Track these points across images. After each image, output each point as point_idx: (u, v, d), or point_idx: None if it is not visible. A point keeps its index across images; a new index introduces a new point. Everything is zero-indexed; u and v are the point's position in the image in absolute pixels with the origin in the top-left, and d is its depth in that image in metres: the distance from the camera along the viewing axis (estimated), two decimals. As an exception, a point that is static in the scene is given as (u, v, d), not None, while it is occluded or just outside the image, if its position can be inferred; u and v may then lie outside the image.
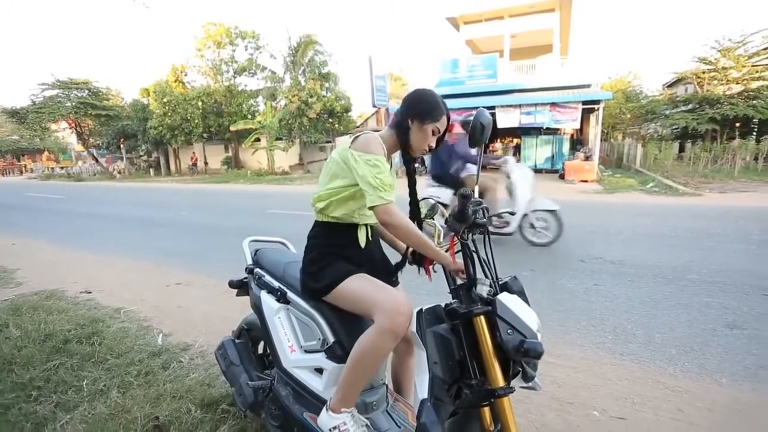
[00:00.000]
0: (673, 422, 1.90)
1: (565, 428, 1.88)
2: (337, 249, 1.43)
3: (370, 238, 1.50)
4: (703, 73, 17.18)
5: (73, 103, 24.18)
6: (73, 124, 25.67)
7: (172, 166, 27.81)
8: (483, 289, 1.16)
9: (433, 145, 1.44)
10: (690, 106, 17.23)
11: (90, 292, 3.85)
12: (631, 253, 4.64)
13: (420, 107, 1.38)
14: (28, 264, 4.98)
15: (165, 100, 22.14)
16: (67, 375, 2.31)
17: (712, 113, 15.61)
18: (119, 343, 2.69)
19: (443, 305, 1.26)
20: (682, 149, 16.88)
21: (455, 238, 1.22)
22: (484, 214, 1.18)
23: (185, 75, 25.23)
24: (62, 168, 32.08)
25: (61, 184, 22.51)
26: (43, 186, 21.07)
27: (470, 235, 1.19)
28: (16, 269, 4.75)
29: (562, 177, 13.82)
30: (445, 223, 1.22)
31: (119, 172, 26.97)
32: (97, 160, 28.73)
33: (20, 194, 15.00)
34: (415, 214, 1.48)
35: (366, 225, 1.47)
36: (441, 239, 1.41)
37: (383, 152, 1.34)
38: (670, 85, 23.00)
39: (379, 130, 1.42)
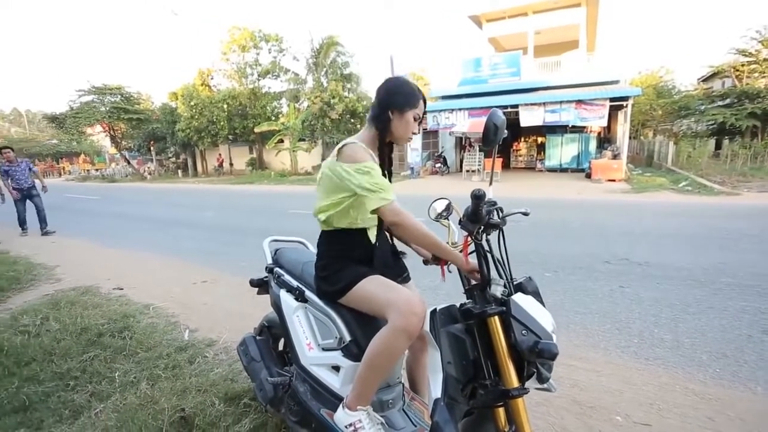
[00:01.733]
0: (702, 431, 1.83)
1: (586, 433, 1.84)
2: (348, 252, 1.45)
3: (377, 237, 1.50)
4: (742, 65, 16.38)
5: (107, 108, 25.33)
6: (107, 128, 26.87)
7: (199, 167, 28.68)
8: (497, 290, 1.16)
9: (416, 131, 1.46)
10: (728, 101, 16.45)
11: (122, 289, 4.04)
12: (659, 254, 4.47)
13: (398, 97, 1.40)
14: (66, 261, 5.26)
15: (192, 103, 22.87)
16: (101, 366, 2.44)
17: (752, 108, 14.85)
18: (148, 337, 2.81)
19: (458, 305, 1.26)
20: (718, 146, 16.11)
21: (469, 239, 1.22)
22: (498, 214, 1.18)
23: (211, 79, 25.98)
24: (97, 170, 33.64)
25: (96, 185, 23.61)
26: (80, 187, 22.15)
27: (484, 235, 1.19)
28: (55, 266, 5.03)
29: (588, 176, 13.45)
30: (459, 224, 1.22)
31: (149, 174, 28.05)
32: (129, 162, 29.98)
33: (60, 195, 15.81)
34: None
35: (374, 226, 1.49)
36: (455, 239, 1.41)
37: (370, 157, 1.36)
38: (706, 80, 22.02)
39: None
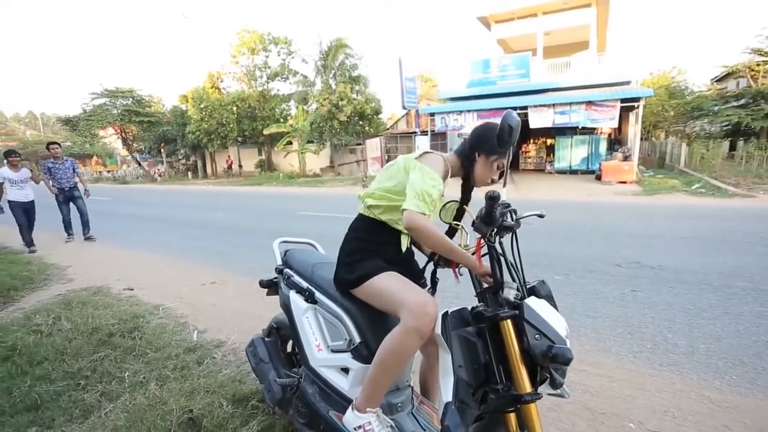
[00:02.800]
0: (719, 439, 1.78)
1: (599, 439, 1.80)
2: (376, 246, 1.46)
3: (410, 246, 1.53)
4: (758, 65, 16.08)
5: (119, 111, 25.75)
6: (119, 131, 27.30)
7: (209, 169, 28.97)
8: (510, 293, 1.14)
9: (496, 178, 1.45)
10: (742, 101, 16.14)
11: (132, 289, 4.07)
12: (671, 257, 4.39)
13: (490, 142, 1.37)
14: (78, 261, 5.33)
15: (202, 105, 23.13)
16: (111, 366, 2.46)
17: (769, 109, 14.54)
18: (158, 338, 2.83)
19: (470, 308, 1.25)
20: (732, 148, 15.83)
21: (482, 241, 1.20)
22: (511, 216, 1.16)
23: (221, 81, 26.27)
24: (109, 171, 34.17)
25: (108, 186, 23.94)
26: (93, 188, 22.37)
27: (497, 237, 1.17)
28: (68, 266, 5.09)
29: (598, 178, 13.30)
30: (472, 226, 1.20)
31: (160, 175, 28.40)
32: (139, 164, 30.40)
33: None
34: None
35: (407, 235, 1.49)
36: (467, 242, 1.39)
37: (444, 175, 1.39)
38: (719, 80, 21.68)
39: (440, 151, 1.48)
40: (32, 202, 6.18)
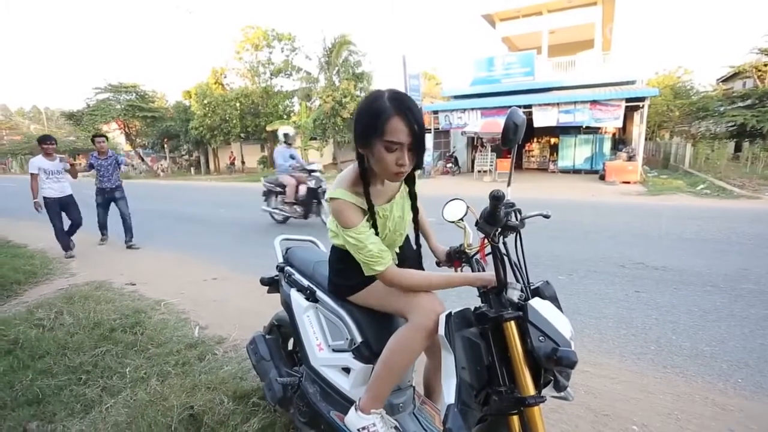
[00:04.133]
0: (723, 443, 1.76)
1: (601, 442, 1.79)
2: None
3: (398, 255, 1.48)
4: (765, 65, 15.92)
5: (123, 106, 25.83)
6: (122, 126, 27.38)
7: (212, 165, 29.01)
8: (514, 294, 1.12)
9: (406, 162, 1.12)
10: (749, 102, 15.98)
11: (134, 284, 4.08)
12: (676, 258, 4.36)
13: (359, 124, 1.13)
14: (80, 255, 5.34)
15: (205, 101, 23.14)
16: (113, 361, 2.46)
17: (776, 110, 14.40)
18: (159, 333, 2.83)
19: (472, 309, 1.23)
20: (738, 149, 15.69)
21: (485, 241, 1.18)
22: (516, 216, 1.14)
23: (224, 77, 26.27)
24: (113, 166, 34.19)
25: (111, 181, 23.97)
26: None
27: (501, 237, 1.15)
28: (70, 260, 5.11)
29: (602, 178, 13.24)
30: (476, 225, 1.19)
31: (163, 171, 28.44)
32: (143, 159, 30.46)
33: (79, 192, 16.13)
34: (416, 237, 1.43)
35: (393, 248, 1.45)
36: (470, 241, 1.37)
37: (357, 216, 1.20)
38: (725, 80, 21.50)
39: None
40: (71, 196, 5.38)
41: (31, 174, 5.10)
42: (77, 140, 32.73)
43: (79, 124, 26.92)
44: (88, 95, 26.90)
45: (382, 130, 1.08)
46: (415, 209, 1.39)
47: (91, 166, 5.71)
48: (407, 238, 1.53)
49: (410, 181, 1.33)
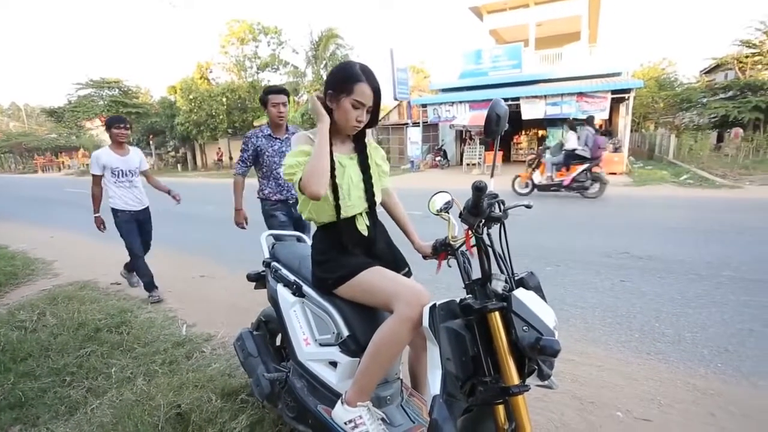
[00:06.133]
0: (704, 426, 1.81)
1: (586, 428, 1.82)
2: (341, 247, 1.42)
3: (371, 227, 1.47)
4: (746, 57, 16.22)
5: (106, 102, 25.28)
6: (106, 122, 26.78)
7: (199, 161, 28.59)
8: (498, 285, 1.13)
9: (363, 119, 1.36)
10: (730, 94, 16.31)
11: (120, 284, 4.02)
12: (660, 247, 4.44)
13: (332, 84, 1.34)
14: (64, 255, 5.23)
15: (191, 97, 22.75)
16: (98, 362, 2.43)
17: (756, 101, 14.71)
18: (146, 332, 2.79)
19: (458, 300, 1.23)
20: (720, 139, 16.01)
21: (470, 232, 1.19)
22: (499, 207, 1.14)
23: (210, 72, 25.85)
24: (97, 164, 33.46)
25: (95, 179, 23.50)
26: (80, 182, 22.06)
27: (485, 228, 1.16)
28: (53, 261, 5.00)
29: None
30: (459, 217, 1.19)
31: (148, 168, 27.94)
32: (128, 157, 29.83)
33: (60, 190, 15.77)
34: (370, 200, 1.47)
35: (362, 213, 1.45)
36: (455, 233, 1.37)
37: (308, 146, 1.35)
38: (708, 72, 21.86)
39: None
40: (147, 210, 3.63)
41: (93, 176, 3.36)
42: (59, 137, 31.96)
43: (60, 120, 26.33)
44: (69, 91, 26.26)
45: (351, 90, 1.31)
46: (367, 174, 1.46)
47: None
48: (382, 226, 1.54)
49: (361, 142, 1.48)
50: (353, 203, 1.41)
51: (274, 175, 2.83)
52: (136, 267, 3.62)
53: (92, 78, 25.44)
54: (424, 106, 16.63)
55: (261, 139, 2.84)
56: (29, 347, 2.59)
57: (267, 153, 2.82)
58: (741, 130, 13.90)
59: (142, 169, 3.59)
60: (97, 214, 3.46)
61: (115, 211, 3.42)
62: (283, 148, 2.84)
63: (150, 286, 3.56)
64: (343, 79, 1.32)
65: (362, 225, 1.45)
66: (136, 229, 3.52)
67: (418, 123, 17.16)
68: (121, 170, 3.40)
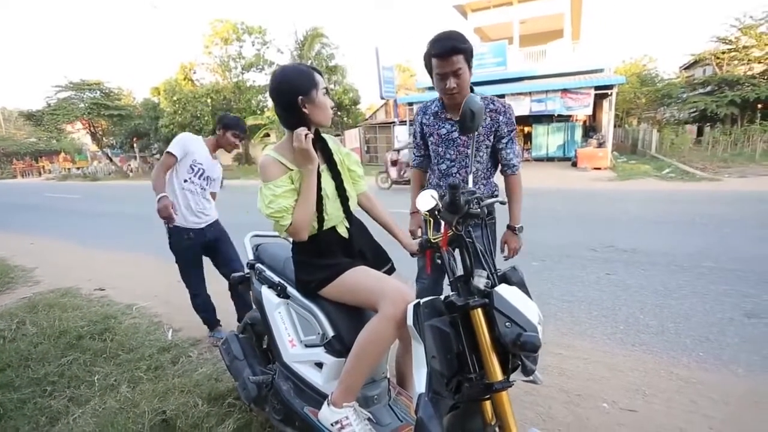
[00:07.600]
0: (687, 414, 1.84)
1: (574, 420, 1.84)
2: (322, 250, 1.42)
3: (349, 228, 1.48)
4: (723, 53, 16.61)
5: (87, 104, 24.64)
6: (87, 125, 26.16)
7: (185, 164, 28.14)
8: (480, 281, 1.13)
9: (332, 104, 1.43)
10: (708, 89, 16.70)
11: (103, 290, 3.93)
12: (644, 240, 4.52)
13: (298, 84, 1.31)
14: (45, 262, 5.10)
15: (175, 98, 22.36)
16: (80, 370, 2.37)
17: (732, 95, 15.10)
18: (130, 338, 2.74)
19: (442, 298, 1.23)
20: (700, 133, 16.38)
21: (449, 230, 1.19)
22: (478, 203, 1.14)
23: (194, 73, 25.41)
24: (78, 168, 32.68)
25: (77, 184, 23.00)
26: (61, 186, 21.56)
27: (464, 226, 1.16)
28: (34, 268, 4.87)
29: (574, 165, 13.55)
30: (438, 215, 1.19)
31: (132, 171, 27.42)
32: (111, 160, 29.26)
33: (40, 195, 15.39)
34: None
35: (340, 222, 1.46)
36: (432, 230, 1.37)
37: (280, 171, 1.34)
38: (687, 67, 22.33)
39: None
40: (218, 224, 2.91)
41: (167, 153, 2.45)
42: (39, 141, 31.14)
43: (39, 124, 25.61)
44: (49, 94, 25.48)
45: (315, 82, 1.33)
46: (339, 182, 1.46)
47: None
48: (362, 224, 1.55)
49: (327, 150, 1.46)
50: (331, 216, 1.41)
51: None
52: (193, 305, 2.79)
53: (72, 80, 24.79)
54: (411, 104, 16.65)
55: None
56: (8, 358, 2.52)
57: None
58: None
59: (216, 189, 2.87)
60: (163, 194, 2.33)
61: (183, 231, 2.54)
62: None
63: (214, 324, 2.80)
64: (305, 78, 1.33)
65: (342, 228, 1.46)
66: (200, 256, 2.71)
67: (405, 121, 17.17)
68: (203, 169, 2.60)
